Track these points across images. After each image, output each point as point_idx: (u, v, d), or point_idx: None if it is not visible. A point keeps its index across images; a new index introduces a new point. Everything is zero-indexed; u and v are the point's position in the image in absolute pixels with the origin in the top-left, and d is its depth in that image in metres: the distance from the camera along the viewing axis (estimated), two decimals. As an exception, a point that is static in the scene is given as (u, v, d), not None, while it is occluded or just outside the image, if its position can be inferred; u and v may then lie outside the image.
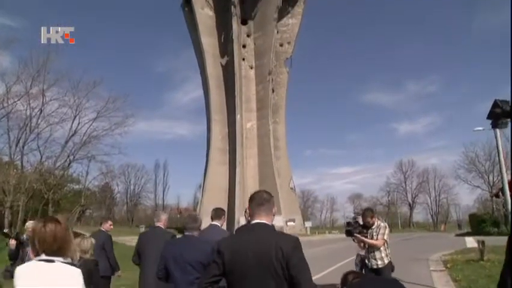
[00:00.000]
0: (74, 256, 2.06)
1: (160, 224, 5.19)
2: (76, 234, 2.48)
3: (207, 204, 33.91)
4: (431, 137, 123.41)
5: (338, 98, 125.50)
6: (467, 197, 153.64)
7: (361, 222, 6.02)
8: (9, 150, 27.73)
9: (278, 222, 20.04)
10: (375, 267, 5.74)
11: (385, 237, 5.72)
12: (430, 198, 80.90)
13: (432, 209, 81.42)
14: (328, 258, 15.25)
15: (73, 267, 1.97)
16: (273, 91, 40.79)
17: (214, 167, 37.88)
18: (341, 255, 14.84)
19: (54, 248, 1.93)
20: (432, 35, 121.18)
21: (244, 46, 40.97)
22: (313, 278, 2.21)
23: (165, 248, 3.86)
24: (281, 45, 42.66)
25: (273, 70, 40.38)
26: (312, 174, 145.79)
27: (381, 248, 5.74)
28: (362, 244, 6.29)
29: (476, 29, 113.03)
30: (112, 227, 7.07)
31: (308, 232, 44.87)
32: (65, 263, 1.96)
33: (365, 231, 5.90)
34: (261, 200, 2.43)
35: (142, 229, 39.43)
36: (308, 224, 48.55)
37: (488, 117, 8.12)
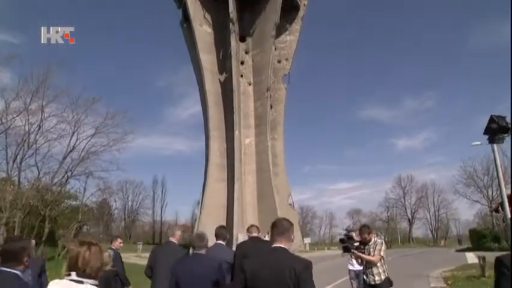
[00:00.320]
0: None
1: (174, 240, 5.52)
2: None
3: (205, 221, 33.65)
4: (430, 152, 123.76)
5: (335, 114, 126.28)
6: (466, 212, 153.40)
7: (355, 237, 6.13)
8: (6, 166, 27.62)
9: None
10: (373, 283, 5.81)
11: (381, 253, 5.80)
12: (429, 213, 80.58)
13: (431, 224, 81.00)
14: (329, 274, 15.09)
15: None
16: (271, 107, 40.96)
17: (212, 184, 37.72)
18: (340, 272, 14.68)
19: (88, 271, 2.07)
20: (429, 51, 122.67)
21: (242, 63, 41.33)
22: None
23: (176, 265, 4.13)
24: (279, 61, 43.04)
25: (271, 86, 40.65)
26: (310, 190, 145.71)
27: (378, 264, 5.81)
28: (359, 260, 6.38)
29: (472, 45, 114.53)
30: (121, 244, 7.25)
31: (307, 248, 44.42)
32: (93, 285, 2.08)
33: (362, 247, 5.97)
34: (283, 228, 2.88)
35: (140, 246, 38.97)
36: (307, 240, 48.09)
37: (485, 133, 8.19)
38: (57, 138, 29.19)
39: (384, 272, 5.82)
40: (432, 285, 12.35)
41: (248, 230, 5.86)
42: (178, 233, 5.62)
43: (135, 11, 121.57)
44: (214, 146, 38.71)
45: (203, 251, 4.23)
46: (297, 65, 47.46)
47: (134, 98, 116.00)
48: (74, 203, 37.07)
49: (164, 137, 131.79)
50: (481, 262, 13.52)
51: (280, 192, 39.35)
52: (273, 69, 40.96)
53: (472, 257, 24.22)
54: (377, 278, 5.77)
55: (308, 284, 2.58)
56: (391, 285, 5.92)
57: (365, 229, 6.10)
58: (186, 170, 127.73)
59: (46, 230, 28.07)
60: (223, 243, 5.38)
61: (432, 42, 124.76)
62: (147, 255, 6.24)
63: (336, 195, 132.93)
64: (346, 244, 6.09)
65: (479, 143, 18.64)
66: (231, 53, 38.30)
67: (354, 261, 8.57)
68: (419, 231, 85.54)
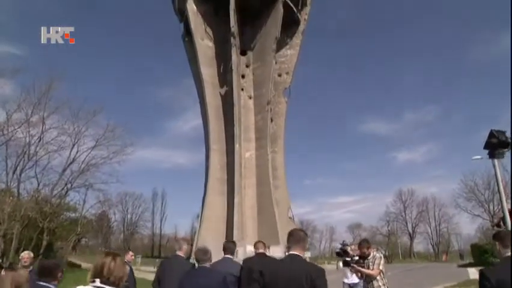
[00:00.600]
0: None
1: (181, 253, 5.51)
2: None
3: (204, 234, 33.41)
4: (430, 166, 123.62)
5: (336, 127, 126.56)
6: (468, 226, 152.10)
7: (349, 252, 6.34)
8: (6, 177, 27.56)
9: (277, 252, 19.70)
10: None
11: (380, 267, 5.97)
12: (430, 227, 79.98)
13: (433, 239, 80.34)
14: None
15: None
16: (271, 121, 41.04)
17: (212, 197, 37.54)
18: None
19: (111, 279, 2.26)
20: (430, 64, 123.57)
21: (243, 76, 41.57)
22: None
23: (183, 278, 4.33)
24: (279, 75, 43.30)
25: (272, 100, 40.80)
26: (311, 203, 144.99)
27: (378, 278, 5.95)
28: (359, 274, 6.47)
29: (473, 58, 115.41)
30: (133, 257, 7.32)
31: (307, 263, 43.88)
32: None
33: (361, 261, 6.13)
34: (299, 237, 3.19)
35: (139, 259, 38.66)
36: (307, 254, 47.47)
37: (485, 148, 8.19)
38: (57, 150, 29.28)
39: (384, 285, 5.94)
40: (433, 301, 12.18)
41: (255, 245, 6.01)
42: (185, 246, 5.66)
43: (137, 24, 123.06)
44: (214, 159, 38.66)
45: (207, 264, 4.47)
46: (297, 79, 47.76)
47: (135, 110, 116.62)
48: (73, 215, 36.99)
49: (165, 149, 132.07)
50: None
51: (280, 206, 39.16)
52: (274, 83, 41.17)
53: (474, 273, 23.93)
54: None
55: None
56: None
57: (364, 244, 6.29)
58: (186, 183, 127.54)
59: (44, 242, 27.89)
60: (231, 257, 5.58)
61: (433, 55, 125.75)
62: (146, 268, 6.27)
63: (337, 208, 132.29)
64: (344, 257, 6.30)
65: (479, 157, 18.66)
66: (231, 66, 38.55)
67: (349, 274, 8.70)
68: (420, 245, 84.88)
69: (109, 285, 2.23)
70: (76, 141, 29.95)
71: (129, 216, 75.53)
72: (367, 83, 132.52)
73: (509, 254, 2.93)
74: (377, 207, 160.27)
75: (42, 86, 28.33)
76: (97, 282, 2.23)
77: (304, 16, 44.08)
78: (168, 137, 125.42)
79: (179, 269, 4.91)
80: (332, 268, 39.56)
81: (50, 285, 2.99)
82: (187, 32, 41.52)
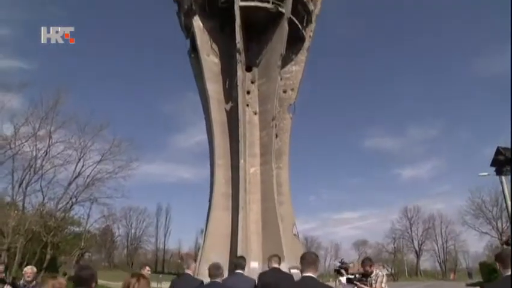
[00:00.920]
0: None
1: (190, 272, 5.56)
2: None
3: (208, 250, 33.16)
4: (436, 182, 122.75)
5: (340, 143, 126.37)
6: (476, 244, 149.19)
7: (348, 268, 6.58)
8: (12, 190, 27.65)
9: (282, 269, 19.34)
10: None
11: (383, 285, 6.06)
12: (437, 245, 78.90)
13: (440, 257, 79.12)
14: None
15: None
16: (276, 136, 41.06)
17: (216, 212, 37.38)
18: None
19: None
20: (433, 79, 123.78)
21: (248, 92, 41.81)
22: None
23: None
24: (285, 91, 43.52)
25: (277, 116, 40.90)
26: (315, 219, 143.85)
27: None
28: None
29: (477, 72, 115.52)
30: (149, 272, 7.27)
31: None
32: None
33: (364, 279, 6.20)
34: (311, 259, 3.43)
35: (142, 275, 38.30)
36: (312, 271, 46.85)
37: (492, 165, 8.16)
38: (63, 164, 29.41)
39: None
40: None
41: (269, 259, 5.97)
42: (193, 265, 5.78)
43: (142, 40, 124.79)
44: (219, 175, 38.62)
45: (219, 279, 4.70)
46: (302, 95, 47.99)
47: (140, 124, 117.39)
48: (77, 229, 36.88)
49: (169, 164, 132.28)
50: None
51: (284, 221, 38.86)
52: (279, 99, 41.35)
53: (482, 292, 23.41)
54: None
55: None
56: None
57: (367, 261, 6.42)
58: (190, 198, 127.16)
59: (48, 257, 27.77)
60: (243, 272, 5.70)
61: (437, 70, 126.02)
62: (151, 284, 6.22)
63: (342, 224, 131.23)
64: (343, 275, 6.43)
65: (486, 173, 18.44)
66: (237, 82, 38.84)
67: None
68: (426, 263, 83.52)
69: None
70: (82, 155, 30.11)
71: (133, 231, 75.38)
72: (371, 97, 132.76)
73: (509, 273, 3.09)
74: (382, 223, 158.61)
75: (50, 100, 28.69)
76: None
77: (309, 33, 44.52)
78: (173, 151, 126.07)
79: (188, 286, 5.11)
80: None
81: None
82: (193, 48, 42.03)
